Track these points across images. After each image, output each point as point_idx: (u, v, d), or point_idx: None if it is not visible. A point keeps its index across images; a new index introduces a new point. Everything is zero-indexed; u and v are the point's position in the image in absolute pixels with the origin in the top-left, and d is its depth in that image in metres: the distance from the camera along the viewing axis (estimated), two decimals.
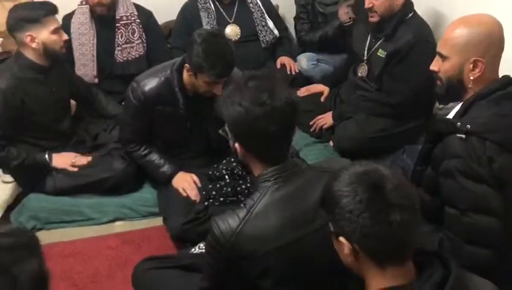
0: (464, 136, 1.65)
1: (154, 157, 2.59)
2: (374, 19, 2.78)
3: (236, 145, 1.57)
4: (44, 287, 1.09)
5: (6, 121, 2.53)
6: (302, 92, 3.22)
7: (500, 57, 1.75)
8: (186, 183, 2.53)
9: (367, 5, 2.75)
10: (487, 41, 1.70)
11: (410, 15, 2.75)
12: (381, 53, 2.81)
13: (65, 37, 2.63)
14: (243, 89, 1.53)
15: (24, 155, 2.59)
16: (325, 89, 3.23)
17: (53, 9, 2.56)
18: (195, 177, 2.56)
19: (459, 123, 1.67)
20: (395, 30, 2.75)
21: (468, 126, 1.64)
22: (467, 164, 1.63)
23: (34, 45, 2.50)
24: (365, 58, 2.92)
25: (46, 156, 2.67)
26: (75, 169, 2.69)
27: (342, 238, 1.20)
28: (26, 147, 2.64)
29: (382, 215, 1.15)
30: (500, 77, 1.77)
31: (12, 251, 1.05)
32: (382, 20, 2.76)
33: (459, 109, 1.75)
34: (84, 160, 2.74)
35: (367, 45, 2.91)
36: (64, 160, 2.70)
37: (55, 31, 2.54)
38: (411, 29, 2.72)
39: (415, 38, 2.67)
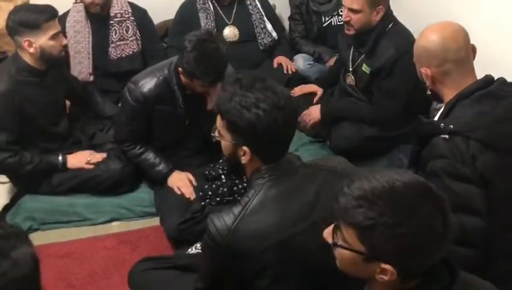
0: (447, 136, 1.66)
1: (150, 156, 2.59)
2: (350, 32, 2.74)
3: (245, 148, 1.52)
4: (38, 270, 1.14)
5: (12, 124, 2.51)
6: (296, 91, 3.21)
7: (463, 65, 1.75)
8: (181, 182, 2.53)
9: (344, 18, 2.71)
10: (426, 53, 1.78)
11: (390, 26, 2.69)
12: (365, 68, 2.77)
13: (64, 41, 2.61)
14: (253, 91, 1.49)
15: (37, 160, 2.58)
16: (318, 90, 3.22)
17: (54, 14, 2.54)
18: (190, 176, 2.56)
19: (442, 124, 1.68)
20: (376, 44, 2.69)
21: (451, 126, 1.66)
22: (452, 164, 1.65)
23: (31, 50, 2.48)
24: (350, 69, 2.89)
25: (60, 158, 2.65)
26: (91, 167, 2.68)
27: (385, 265, 1.11)
28: (31, 149, 2.62)
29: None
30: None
31: (7, 239, 1.10)
32: (359, 33, 2.71)
33: (443, 111, 1.78)
34: (99, 157, 2.73)
35: (350, 56, 2.87)
36: (79, 159, 2.69)
37: (54, 37, 2.51)
38: (391, 42, 2.65)
39: (397, 52, 2.61)
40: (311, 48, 3.45)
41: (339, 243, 1.18)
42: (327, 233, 1.22)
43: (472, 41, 1.81)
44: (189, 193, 2.49)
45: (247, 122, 1.47)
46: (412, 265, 1.12)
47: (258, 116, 1.46)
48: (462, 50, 1.75)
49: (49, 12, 2.51)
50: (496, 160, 1.66)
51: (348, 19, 2.68)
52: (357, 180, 1.14)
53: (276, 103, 1.48)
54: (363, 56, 2.78)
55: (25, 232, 1.19)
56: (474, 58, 1.81)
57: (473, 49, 1.80)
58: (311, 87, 3.27)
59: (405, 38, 2.64)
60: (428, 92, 1.84)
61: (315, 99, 3.20)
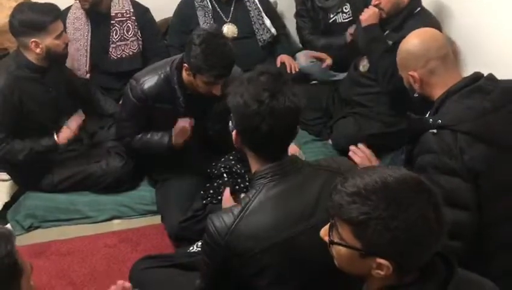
0: (435, 131, 1.69)
1: (149, 134, 2.55)
2: (382, 15, 2.78)
3: (234, 132, 1.57)
4: (11, 277, 1.15)
5: (8, 120, 2.50)
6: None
7: (447, 63, 1.82)
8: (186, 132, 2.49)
9: (374, 2, 2.77)
10: (410, 55, 1.85)
11: (418, 9, 2.74)
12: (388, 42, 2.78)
13: (67, 39, 2.62)
14: (251, 82, 1.52)
15: (30, 145, 2.56)
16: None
17: (58, 14, 2.55)
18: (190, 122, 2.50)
19: (431, 120, 1.72)
20: (404, 23, 2.73)
21: (439, 121, 1.69)
22: (440, 158, 1.67)
23: (38, 51, 2.49)
24: None
25: (51, 139, 2.60)
26: (76, 130, 2.63)
27: (381, 260, 1.11)
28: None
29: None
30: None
31: None
32: (389, 15, 2.76)
33: (432, 108, 1.80)
34: (78, 118, 2.67)
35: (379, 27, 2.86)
36: (65, 131, 2.63)
37: (59, 36, 2.52)
38: (419, 22, 2.64)
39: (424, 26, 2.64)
40: (322, 40, 3.39)
41: (335, 241, 1.19)
42: (323, 232, 1.24)
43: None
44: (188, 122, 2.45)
45: (232, 107, 1.54)
46: (407, 259, 1.12)
47: (238, 103, 1.51)
48: (443, 48, 1.83)
49: (54, 13, 2.51)
50: (484, 153, 1.68)
51: (377, 2, 2.74)
52: (350, 177, 1.15)
53: (258, 96, 1.48)
54: (387, 32, 2.78)
55: (7, 234, 1.19)
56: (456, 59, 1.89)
57: (454, 51, 1.91)
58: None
59: (433, 20, 2.70)
60: (416, 95, 1.88)
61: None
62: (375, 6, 2.77)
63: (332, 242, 1.20)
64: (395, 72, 2.66)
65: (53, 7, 2.54)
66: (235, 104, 1.52)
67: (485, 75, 1.81)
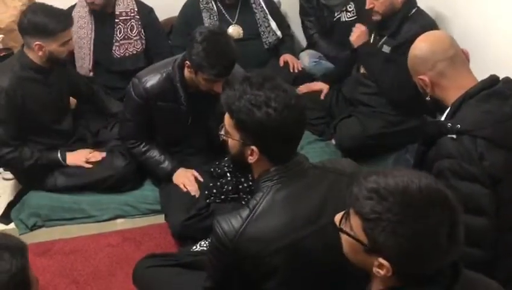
0: (455, 136, 1.67)
1: (155, 153, 2.58)
2: (376, 17, 2.78)
3: (253, 148, 1.51)
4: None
5: (13, 120, 2.51)
6: (302, 89, 3.20)
7: (456, 63, 1.79)
8: (186, 179, 2.53)
9: (368, 5, 2.76)
10: (418, 60, 1.82)
11: (413, 10, 2.74)
12: (385, 49, 2.78)
13: (72, 47, 2.64)
14: (263, 89, 1.48)
15: (37, 155, 2.59)
16: (324, 87, 3.22)
17: (70, 23, 2.55)
18: (196, 173, 2.56)
19: (449, 124, 1.69)
20: (400, 27, 2.73)
21: (458, 126, 1.66)
22: (459, 164, 1.65)
23: (40, 53, 2.49)
24: None
25: (59, 155, 2.66)
26: (90, 166, 2.68)
27: (382, 260, 1.12)
28: (34, 145, 2.62)
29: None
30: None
31: None
32: (385, 18, 2.76)
33: (449, 111, 1.78)
34: (98, 156, 2.73)
35: (371, 42, 2.88)
36: (78, 157, 2.70)
37: (65, 43, 2.52)
38: (417, 23, 2.68)
39: (422, 29, 2.54)
40: (332, 49, 3.39)
41: (344, 229, 1.20)
42: (337, 217, 1.25)
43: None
44: (194, 190, 2.49)
45: (257, 121, 1.46)
46: (406, 266, 1.12)
47: (268, 115, 1.45)
48: (450, 49, 1.79)
49: (67, 22, 2.52)
50: (504, 158, 1.66)
51: (371, 5, 2.74)
52: (375, 174, 1.16)
53: (287, 101, 1.47)
54: (384, 38, 2.79)
55: (21, 247, 1.17)
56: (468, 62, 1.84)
57: (464, 52, 1.85)
58: (317, 85, 3.25)
59: (429, 20, 2.71)
60: (428, 98, 1.85)
61: (322, 96, 3.19)
62: (370, 9, 2.74)
63: (341, 230, 1.22)
64: (403, 82, 2.67)
65: (67, 14, 2.55)
66: (263, 117, 1.45)
67: (502, 78, 1.78)
